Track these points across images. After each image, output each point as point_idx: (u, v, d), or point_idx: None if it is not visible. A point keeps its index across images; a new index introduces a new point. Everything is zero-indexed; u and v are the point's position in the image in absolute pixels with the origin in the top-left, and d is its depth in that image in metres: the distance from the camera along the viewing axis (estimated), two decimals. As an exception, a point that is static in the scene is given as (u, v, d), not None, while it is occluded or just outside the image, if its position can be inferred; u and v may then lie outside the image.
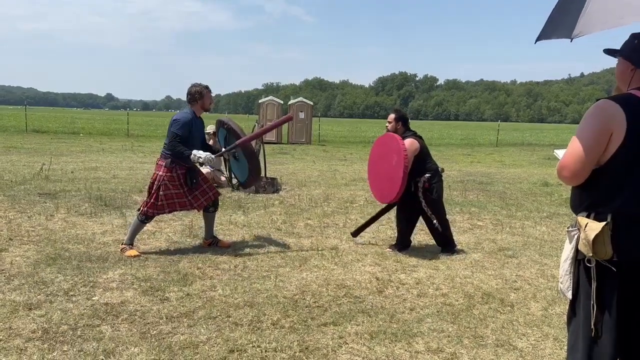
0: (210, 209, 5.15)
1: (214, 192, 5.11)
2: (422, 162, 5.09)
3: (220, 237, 5.40)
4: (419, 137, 5.21)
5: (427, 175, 5.07)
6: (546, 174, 12.91)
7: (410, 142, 5.02)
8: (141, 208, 4.89)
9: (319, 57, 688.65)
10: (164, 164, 4.81)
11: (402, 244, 5.30)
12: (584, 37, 2.22)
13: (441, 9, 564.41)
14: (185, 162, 4.83)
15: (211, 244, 5.18)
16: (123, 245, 4.84)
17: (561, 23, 2.21)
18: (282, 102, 24.13)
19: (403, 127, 5.25)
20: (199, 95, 4.87)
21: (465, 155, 19.63)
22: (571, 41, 2.19)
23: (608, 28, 2.03)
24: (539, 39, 2.31)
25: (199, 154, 4.72)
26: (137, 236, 4.99)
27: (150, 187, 4.86)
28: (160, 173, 4.80)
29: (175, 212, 5.20)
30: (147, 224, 5.06)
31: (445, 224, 5.30)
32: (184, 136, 4.73)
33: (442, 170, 5.29)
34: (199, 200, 4.98)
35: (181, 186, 4.87)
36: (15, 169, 10.37)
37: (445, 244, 5.28)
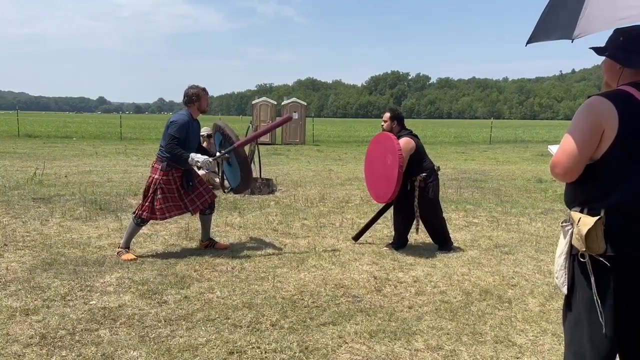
0: (206, 211, 5.13)
1: (210, 195, 5.09)
2: (418, 161, 5.10)
3: (216, 239, 5.39)
4: (414, 136, 5.22)
5: (423, 174, 5.08)
6: (540, 171, 12.97)
7: (405, 142, 5.02)
8: (136, 211, 4.86)
9: (311, 58, 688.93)
10: (159, 167, 4.78)
11: (399, 242, 5.30)
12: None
13: (432, 7, 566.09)
14: (182, 165, 4.80)
15: (208, 246, 5.17)
16: (119, 249, 4.82)
17: (557, 24, 2.20)
18: (275, 102, 24.10)
19: (398, 126, 5.25)
20: (196, 97, 4.84)
21: (459, 153, 19.68)
22: (572, 42, 2.19)
23: (610, 27, 2.02)
24: (530, 41, 2.29)
25: (196, 157, 4.69)
26: (133, 239, 4.97)
27: (146, 190, 4.83)
28: (156, 176, 4.77)
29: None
30: (143, 227, 5.04)
31: (442, 222, 5.31)
32: (182, 138, 4.71)
33: (438, 168, 5.31)
34: (195, 203, 4.96)
35: (177, 190, 4.85)
36: (8, 174, 10.30)
37: (442, 242, 5.29)
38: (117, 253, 4.79)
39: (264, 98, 23.79)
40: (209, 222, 5.25)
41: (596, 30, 2.10)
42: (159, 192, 4.76)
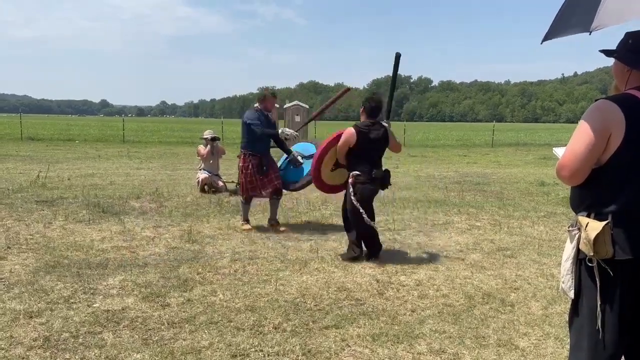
0: (274, 196, 6.22)
1: (278, 182, 6.11)
2: (357, 157, 4.85)
3: (218, 241, 5.41)
4: (366, 127, 4.82)
5: (356, 172, 4.83)
6: (542, 174, 12.96)
7: (348, 133, 4.80)
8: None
9: (313, 60, 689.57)
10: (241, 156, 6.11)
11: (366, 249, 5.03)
12: (579, 35, 2.25)
13: (434, 10, 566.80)
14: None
15: (274, 225, 6.27)
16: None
17: (575, 19, 2.22)
18: (277, 105, 24.09)
19: (366, 116, 4.92)
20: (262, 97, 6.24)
21: (461, 156, 19.67)
22: (590, 34, 2.21)
23: (627, 20, 2.04)
24: (546, 38, 2.30)
25: (287, 130, 6.26)
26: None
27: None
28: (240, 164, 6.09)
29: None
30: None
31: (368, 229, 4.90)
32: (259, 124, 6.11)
33: (376, 175, 4.83)
34: (266, 188, 6.06)
35: (253, 174, 5.98)
36: (11, 177, 10.33)
37: (371, 245, 4.99)
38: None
39: (266, 101, 23.77)
40: (277, 206, 6.35)
41: (613, 23, 2.12)
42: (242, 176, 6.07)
